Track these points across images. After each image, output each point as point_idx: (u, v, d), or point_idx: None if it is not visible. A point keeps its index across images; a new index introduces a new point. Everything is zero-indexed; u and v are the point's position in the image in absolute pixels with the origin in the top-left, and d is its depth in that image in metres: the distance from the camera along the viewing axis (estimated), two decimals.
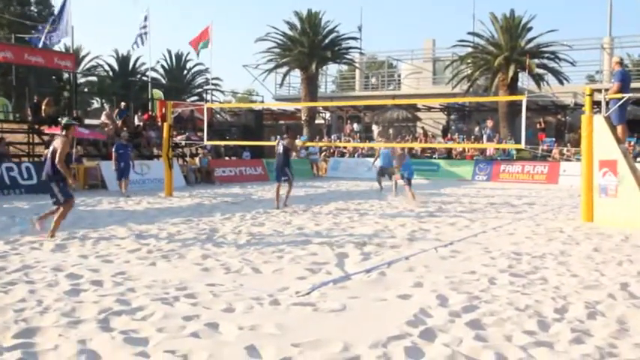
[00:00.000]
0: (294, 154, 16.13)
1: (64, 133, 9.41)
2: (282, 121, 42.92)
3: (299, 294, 6.06)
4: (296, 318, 5.26)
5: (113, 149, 18.36)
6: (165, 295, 5.91)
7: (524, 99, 12.95)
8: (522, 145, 13.63)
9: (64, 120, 10.05)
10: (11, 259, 7.73)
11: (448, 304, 5.70)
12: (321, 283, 6.48)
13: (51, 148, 9.35)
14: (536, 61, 30.48)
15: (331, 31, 38.27)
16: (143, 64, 52.99)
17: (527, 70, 27.41)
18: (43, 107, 22.34)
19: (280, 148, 14.55)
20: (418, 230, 10.85)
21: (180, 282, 6.48)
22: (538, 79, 31.38)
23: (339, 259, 7.93)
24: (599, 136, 11.95)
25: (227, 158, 27.81)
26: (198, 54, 31.89)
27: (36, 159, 20.50)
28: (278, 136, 18.76)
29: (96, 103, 50.47)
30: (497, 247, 8.98)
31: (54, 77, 43.34)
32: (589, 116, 12.12)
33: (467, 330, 4.92)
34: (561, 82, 32.37)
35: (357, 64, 42.26)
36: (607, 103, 12.22)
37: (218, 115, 33.83)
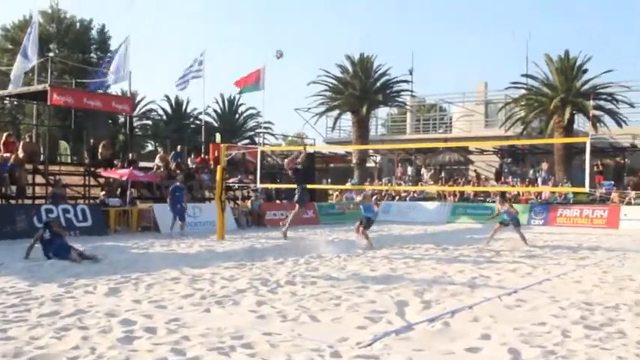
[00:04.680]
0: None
1: None
2: (332, 165, 42.94)
3: (360, 345, 5.74)
4: None
5: (170, 191, 18.56)
6: (221, 345, 5.66)
7: (587, 141, 12.49)
8: (587, 189, 13.10)
9: None
10: (65, 302, 7.63)
11: (522, 359, 5.31)
12: (383, 334, 6.15)
13: None
14: (593, 103, 29.80)
15: (383, 74, 38.31)
16: (195, 108, 54.01)
17: (590, 114, 26.66)
18: (100, 150, 22.75)
19: None
20: (478, 277, 10.42)
21: (235, 330, 6.24)
22: (595, 121, 30.61)
23: (399, 308, 7.58)
24: None
25: (278, 202, 27.73)
26: (240, 92, 32.36)
27: (91, 201, 20.76)
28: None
29: (150, 146, 51.38)
30: (564, 296, 8.49)
31: (110, 121, 44.43)
32: None
33: None
34: (619, 125, 31.56)
35: (408, 107, 42.10)
36: None
37: (269, 158, 33.96)
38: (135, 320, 6.67)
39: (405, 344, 5.84)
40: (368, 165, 41.10)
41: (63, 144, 32.62)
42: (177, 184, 18.89)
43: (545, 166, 30.51)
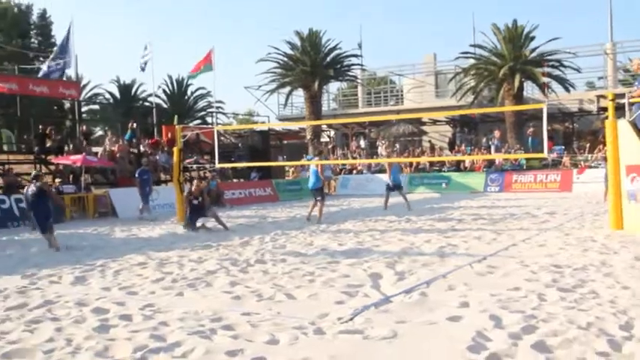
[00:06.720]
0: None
1: None
2: (286, 141, 42.77)
3: (342, 320, 5.69)
4: (347, 348, 4.89)
5: (137, 175, 18.28)
6: (201, 328, 5.54)
7: (544, 107, 12.61)
8: (545, 154, 13.28)
9: None
10: (31, 294, 7.38)
11: (504, 325, 5.33)
12: (362, 308, 6.11)
13: None
14: (544, 70, 30.25)
15: (333, 49, 38.16)
16: (144, 90, 53.05)
17: (541, 81, 27.04)
18: (49, 137, 22.08)
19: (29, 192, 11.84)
20: (446, 246, 10.49)
21: (213, 312, 6.12)
22: (544, 87, 31.10)
23: (373, 280, 7.57)
24: (625, 140, 11.62)
25: (235, 180, 27.49)
26: (191, 77, 31.88)
27: None
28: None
29: (100, 131, 50.29)
30: (533, 261, 8.60)
31: (55, 107, 43.32)
32: (613, 121, 11.80)
33: (535, 354, 4.55)
34: (567, 90, 32.11)
35: (359, 81, 42.08)
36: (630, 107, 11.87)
37: (223, 138, 33.54)
38: (107, 308, 6.49)
39: (385, 317, 5.81)
40: (322, 140, 41.03)
41: (5, 132, 31.55)
42: (144, 167, 18.73)
43: (497, 133, 30.88)
